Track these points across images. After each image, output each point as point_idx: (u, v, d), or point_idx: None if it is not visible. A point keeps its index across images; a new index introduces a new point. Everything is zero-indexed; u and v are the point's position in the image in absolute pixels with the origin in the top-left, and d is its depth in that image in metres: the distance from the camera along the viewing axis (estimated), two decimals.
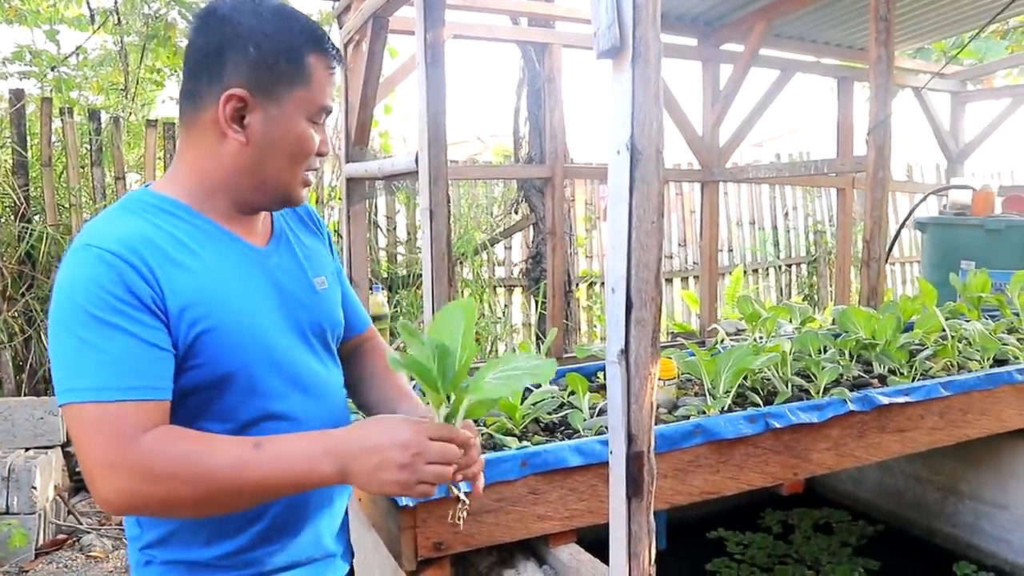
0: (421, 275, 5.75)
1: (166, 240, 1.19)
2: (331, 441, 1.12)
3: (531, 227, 6.26)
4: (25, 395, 4.63)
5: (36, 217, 4.84)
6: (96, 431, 1.07)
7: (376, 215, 5.95)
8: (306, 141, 1.26)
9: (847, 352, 2.86)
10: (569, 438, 2.14)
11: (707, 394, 2.43)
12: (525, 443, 2.07)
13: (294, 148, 1.26)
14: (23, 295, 4.72)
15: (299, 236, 1.43)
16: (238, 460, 1.09)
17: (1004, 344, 2.99)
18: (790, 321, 3.33)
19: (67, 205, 4.94)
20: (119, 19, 6.78)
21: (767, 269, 7.95)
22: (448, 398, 1.15)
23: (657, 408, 2.16)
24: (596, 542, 1.81)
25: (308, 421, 1.29)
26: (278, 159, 1.25)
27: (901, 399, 2.47)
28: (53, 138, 4.94)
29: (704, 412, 2.29)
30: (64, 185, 4.98)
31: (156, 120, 5.41)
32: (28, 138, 4.89)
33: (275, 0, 1.26)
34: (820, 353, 2.81)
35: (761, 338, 3.04)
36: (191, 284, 1.17)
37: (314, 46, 1.25)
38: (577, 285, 6.47)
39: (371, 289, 3.98)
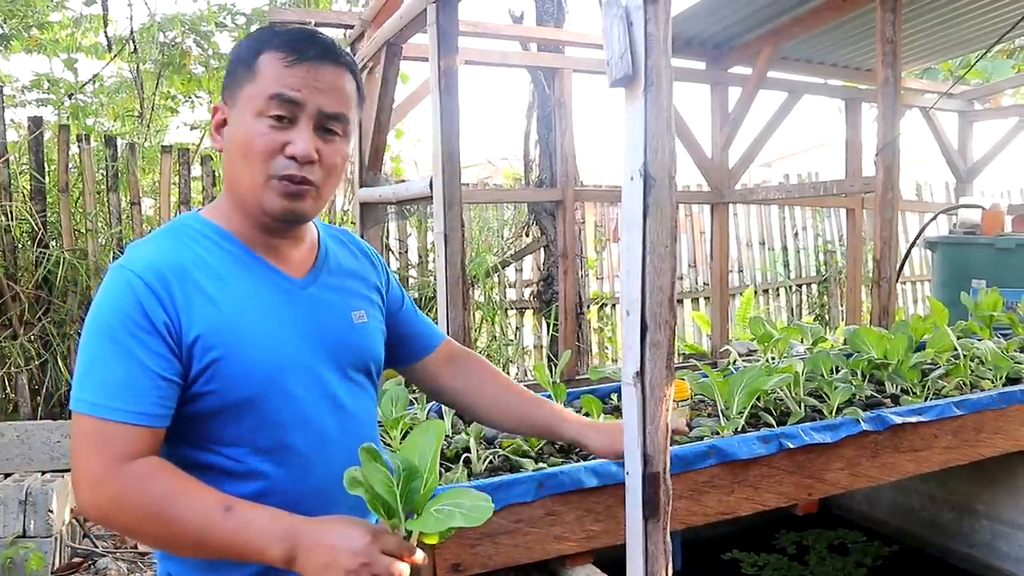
0: (433, 298, 5.78)
1: (198, 267, 1.23)
2: (292, 527, 1.14)
3: (542, 249, 6.29)
4: (41, 419, 4.67)
5: (53, 242, 4.90)
6: (89, 443, 1.15)
7: (388, 238, 6.00)
8: (252, 137, 1.23)
9: (859, 372, 2.87)
10: (585, 459, 2.15)
11: (720, 415, 2.45)
12: (541, 464, 2.09)
13: (242, 146, 1.24)
14: (40, 319, 4.77)
15: (344, 267, 1.43)
16: (205, 519, 1.13)
17: (1016, 363, 2.99)
18: (801, 341, 3.34)
19: (83, 230, 5.00)
20: (135, 47, 6.88)
21: (777, 289, 7.96)
22: (407, 517, 1.15)
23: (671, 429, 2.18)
24: (613, 563, 1.82)
25: (327, 455, 1.30)
26: (235, 160, 1.26)
27: (914, 419, 2.47)
28: (70, 164, 5.01)
29: (718, 433, 2.30)
30: (81, 210, 5.04)
31: (171, 146, 5.48)
32: (46, 164, 4.96)
33: (295, 27, 1.31)
34: (832, 373, 2.82)
35: (773, 359, 3.05)
36: (211, 313, 1.21)
37: (268, 44, 1.25)
38: (588, 307, 6.48)
39: None
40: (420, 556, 1.15)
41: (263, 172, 1.23)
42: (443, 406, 2.49)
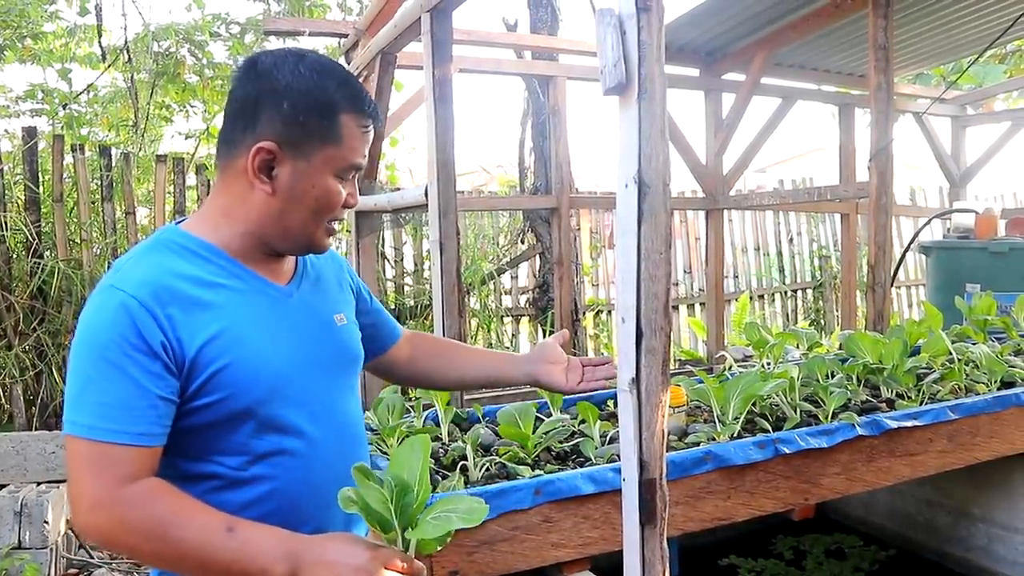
0: (429, 305, 5.78)
1: (191, 280, 1.24)
2: (294, 545, 1.15)
3: (538, 256, 6.30)
4: (36, 429, 4.65)
5: (48, 252, 4.89)
6: (87, 466, 1.15)
7: (383, 246, 6.00)
8: (332, 196, 1.30)
9: (855, 377, 2.87)
10: (581, 466, 2.15)
11: (716, 421, 2.45)
12: (538, 472, 2.08)
13: (319, 202, 1.30)
14: (34, 330, 4.76)
15: (320, 273, 1.47)
16: (208, 539, 1.14)
17: (1011, 366, 3.00)
18: (797, 347, 3.34)
19: (78, 240, 4.99)
20: (130, 57, 6.89)
21: (773, 295, 7.96)
22: (403, 531, 1.18)
23: (667, 435, 2.18)
24: (610, 570, 1.82)
25: (321, 456, 1.33)
26: (302, 211, 1.30)
27: (909, 423, 2.48)
28: (64, 174, 4.99)
29: (714, 439, 2.31)
30: (75, 220, 5.03)
31: (165, 155, 5.47)
32: (40, 175, 4.95)
33: (315, 56, 1.31)
34: (828, 378, 2.82)
35: (769, 364, 3.05)
36: (211, 322, 1.22)
37: (348, 105, 1.28)
38: (584, 314, 6.49)
39: None
40: (420, 567, 1.17)
41: (324, 221, 1.33)
42: (439, 413, 2.50)
